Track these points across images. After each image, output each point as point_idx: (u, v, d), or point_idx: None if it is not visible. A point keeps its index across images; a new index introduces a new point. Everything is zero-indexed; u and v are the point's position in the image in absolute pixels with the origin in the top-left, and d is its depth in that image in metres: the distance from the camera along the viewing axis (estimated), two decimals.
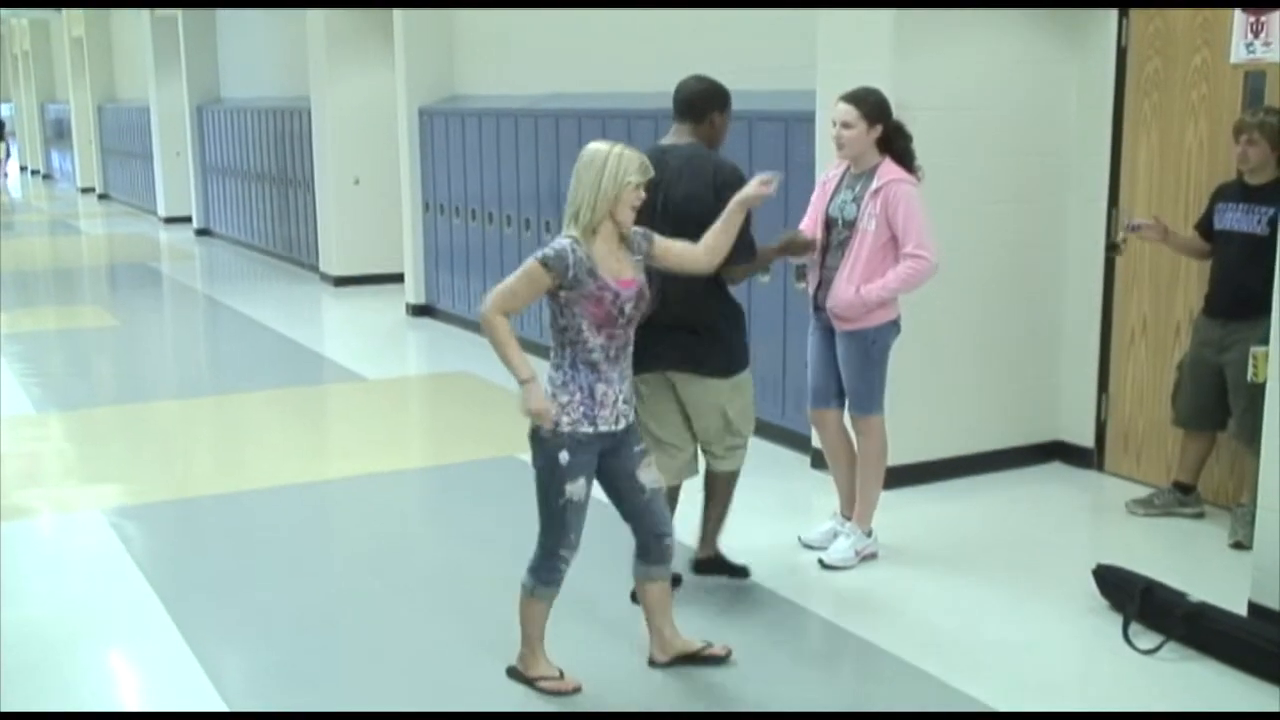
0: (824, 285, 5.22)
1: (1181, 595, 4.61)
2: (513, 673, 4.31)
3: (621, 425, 4.09)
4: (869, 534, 5.36)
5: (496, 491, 6.51)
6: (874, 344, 5.17)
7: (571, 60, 9.58)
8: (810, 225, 5.30)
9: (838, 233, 5.16)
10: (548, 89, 9.76)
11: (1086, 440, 6.64)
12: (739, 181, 4.59)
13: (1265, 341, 4.55)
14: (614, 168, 3.95)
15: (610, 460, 4.14)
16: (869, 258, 5.05)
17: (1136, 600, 4.65)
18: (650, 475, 4.23)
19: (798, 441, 6.77)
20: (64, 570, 5.48)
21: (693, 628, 4.50)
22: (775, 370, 6.95)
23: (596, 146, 4.03)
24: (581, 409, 4.00)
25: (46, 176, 33.02)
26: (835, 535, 5.42)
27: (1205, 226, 5.66)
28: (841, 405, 5.36)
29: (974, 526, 4.99)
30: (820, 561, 5.29)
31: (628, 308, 4.02)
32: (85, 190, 26.89)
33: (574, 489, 4.03)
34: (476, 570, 5.43)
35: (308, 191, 14.16)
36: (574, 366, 4.02)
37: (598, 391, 4.01)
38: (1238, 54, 5.68)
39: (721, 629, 4.66)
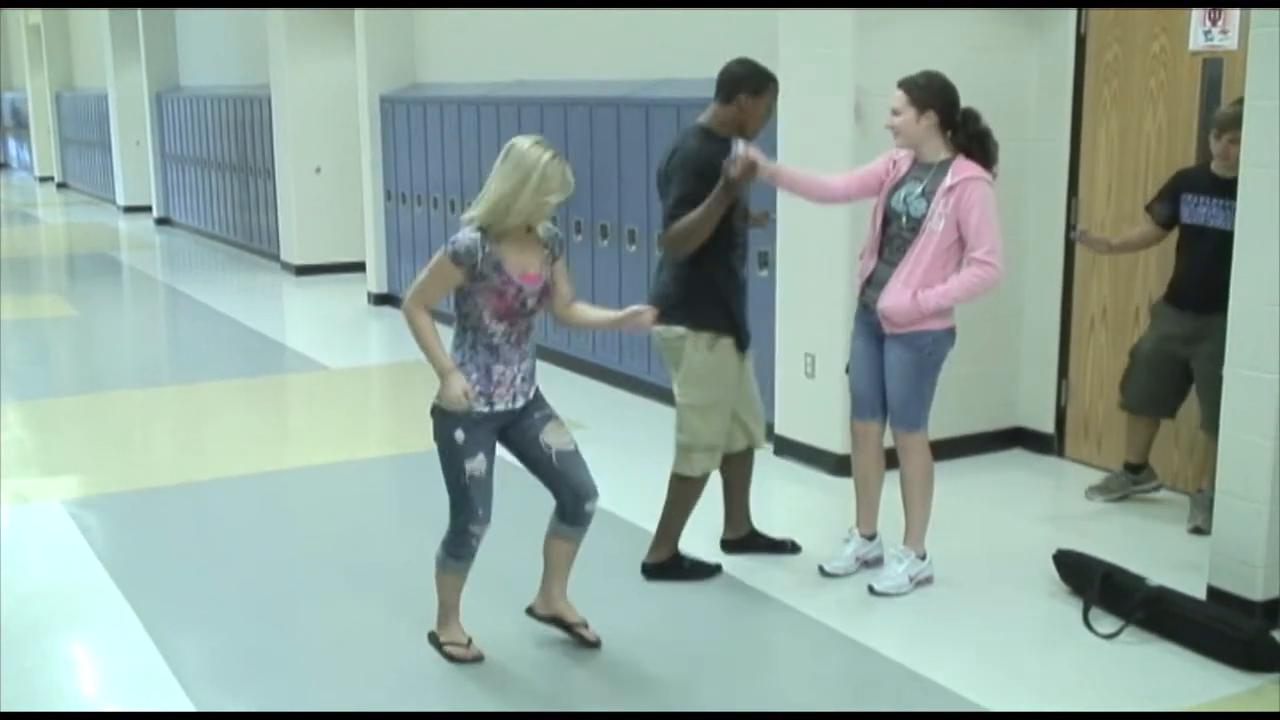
0: (874, 284, 4.79)
1: (1141, 580, 4.65)
2: (431, 637, 4.40)
3: (520, 403, 4.13)
4: (923, 557, 4.99)
5: None
6: (930, 354, 4.76)
7: (534, 48, 9.54)
8: (851, 181, 4.99)
9: (897, 228, 4.73)
10: (510, 77, 9.72)
11: (1047, 426, 6.68)
12: (686, 166, 4.63)
13: None
14: (536, 183, 3.92)
15: (511, 431, 4.19)
16: (931, 260, 4.63)
17: (1097, 585, 4.68)
18: (558, 437, 4.21)
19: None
20: (23, 561, 5.42)
21: (659, 612, 4.47)
22: None
23: (527, 149, 3.96)
24: (478, 388, 4.04)
25: (3, 165, 32.66)
26: (856, 560, 5.09)
27: (1166, 214, 5.62)
28: (887, 417, 4.96)
29: (935, 513, 5.00)
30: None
31: (530, 301, 4.06)
32: (44, 179, 26.65)
33: (474, 465, 4.08)
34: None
35: (268, 180, 14.07)
36: (474, 348, 4.07)
37: (494, 372, 4.06)
38: (1196, 42, 5.73)
39: (673, 614, 4.67)
